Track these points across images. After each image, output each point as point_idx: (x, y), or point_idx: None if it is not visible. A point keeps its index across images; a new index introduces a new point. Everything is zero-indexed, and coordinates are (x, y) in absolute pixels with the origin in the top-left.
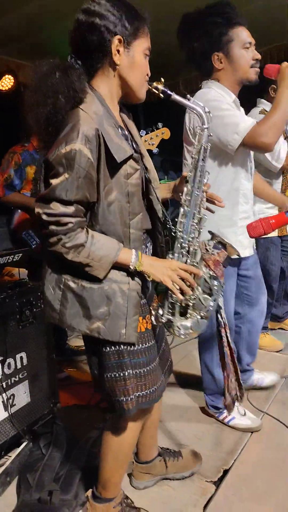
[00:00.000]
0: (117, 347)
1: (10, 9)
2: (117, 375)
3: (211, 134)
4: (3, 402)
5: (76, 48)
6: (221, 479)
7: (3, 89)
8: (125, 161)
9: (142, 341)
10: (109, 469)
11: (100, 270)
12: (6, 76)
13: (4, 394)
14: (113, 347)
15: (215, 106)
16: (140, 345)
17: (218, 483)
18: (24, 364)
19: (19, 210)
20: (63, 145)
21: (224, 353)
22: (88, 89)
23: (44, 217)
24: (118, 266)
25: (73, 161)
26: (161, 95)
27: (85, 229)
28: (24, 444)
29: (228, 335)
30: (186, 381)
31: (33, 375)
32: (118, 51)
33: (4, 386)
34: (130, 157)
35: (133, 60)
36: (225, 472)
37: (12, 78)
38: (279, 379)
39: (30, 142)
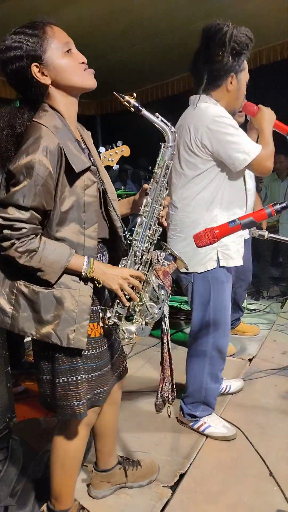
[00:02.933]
0: (70, 351)
1: None
2: (69, 379)
3: (176, 151)
4: None
5: (17, 92)
6: (177, 483)
7: None
8: (83, 173)
9: (95, 346)
10: (59, 479)
11: (51, 274)
12: None
13: None
14: (66, 352)
15: (227, 123)
16: (93, 350)
17: (174, 487)
18: None
19: None
20: (23, 156)
21: (163, 358)
22: (47, 107)
23: (0, 220)
24: (71, 272)
25: (32, 170)
26: (132, 109)
27: (39, 236)
28: None
29: (169, 342)
30: (143, 388)
31: None
32: (42, 73)
33: None
34: (88, 169)
35: (56, 68)
36: (181, 476)
37: None
38: (243, 384)
39: None
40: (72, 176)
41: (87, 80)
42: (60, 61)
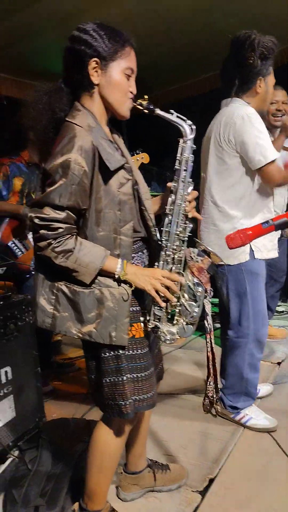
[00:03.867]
0: (115, 351)
1: None
2: (116, 379)
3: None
4: None
5: (64, 72)
6: (206, 488)
7: None
8: (117, 171)
9: (140, 346)
10: (95, 478)
11: (86, 276)
12: None
13: None
14: (112, 352)
15: (255, 122)
16: (138, 351)
17: (203, 492)
18: (9, 379)
19: (6, 220)
20: (59, 156)
21: (207, 358)
22: (79, 106)
23: (37, 221)
24: (104, 274)
25: (68, 169)
26: (145, 111)
27: (74, 236)
28: (9, 460)
29: (213, 341)
30: (170, 390)
31: (18, 390)
32: (96, 72)
33: None
34: (122, 167)
35: (110, 80)
36: (211, 481)
37: None
38: (272, 389)
39: (19, 155)
40: (107, 174)
41: (124, 108)
42: (116, 76)
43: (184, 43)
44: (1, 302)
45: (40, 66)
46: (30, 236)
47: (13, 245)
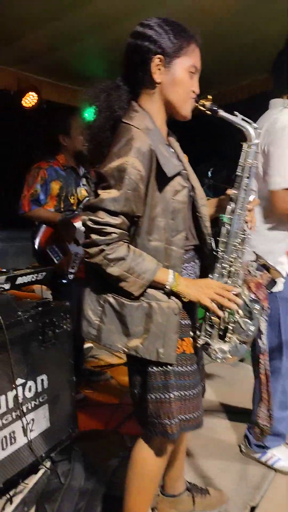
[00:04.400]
0: (163, 367)
1: (34, 27)
2: (162, 396)
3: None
4: (22, 427)
5: (124, 69)
6: None
7: (27, 106)
8: (173, 177)
9: (189, 363)
10: (133, 500)
11: (135, 287)
12: (30, 93)
13: (24, 419)
14: (159, 367)
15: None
16: (187, 367)
17: None
18: (45, 387)
19: (44, 225)
20: (115, 159)
21: (259, 381)
22: (137, 107)
23: (90, 223)
24: (154, 286)
25: (124, 173)
26: (208, 112)
27: (126, 243)
28: (41, 471)
29: (267, 362)
30: (206, 410)
31: (53, 399)
32: (159, 69)
33: (24, 410)
34: (178, 173)
35: (173, 77)
36: (252, 509)
37: (35, 95)
38: None
39: (55, 159)
40: (162, 180)
41: (186, 108)
42: (180, 74)
43: (224, 48)
44: (40, 308)
45: (80, 70)
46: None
47: (52, 251)
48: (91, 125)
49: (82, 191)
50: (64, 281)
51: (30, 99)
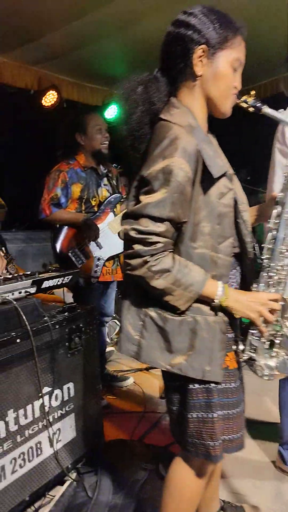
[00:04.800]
0: (206, 384)
1: (56, 26)
2: (204, 415)
3: None
4: (49, 437)
5: (163, 60)
6: None
7: (47, 105)
8: (218, 179)
9: (232, 379)
10: None
11: (182, 300)
12: (50, 92)
13: (50, 429)
14: (201, 385)
15: None
16: (231, 384)
17: None
18: (71, 396)
19: (66, 228)
20: (160, 160)
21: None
22: (176, 103)
23: (133, 233)
24: (201, 299)
25: (170, 175)
26: (251, 109)
27: (171, 253)
28: (67, 483)
29: None
30: None
31: (80, 408)
32: (201, 61)
33: (51, 420)
34: (224, 174)
35: (216, 71)
36: None
37: (55, 94)
38: None
39: (75, 159)
40: (208, 182)
41: (227, 105)
42: (223, 67)
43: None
44: (66, 314)
45: (100, 70)
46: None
47: (73, 254)
48: (128, 120)
49: (103, 192)
50: (87, 285)
51: (50, 98)
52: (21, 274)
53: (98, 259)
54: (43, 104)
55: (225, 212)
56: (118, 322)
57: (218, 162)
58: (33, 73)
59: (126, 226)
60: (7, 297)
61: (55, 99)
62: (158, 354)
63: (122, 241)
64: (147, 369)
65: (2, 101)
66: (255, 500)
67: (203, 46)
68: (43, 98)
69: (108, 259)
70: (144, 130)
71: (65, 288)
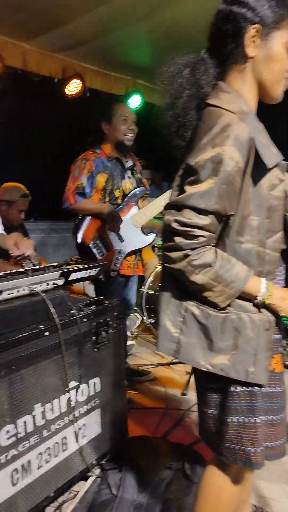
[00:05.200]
0: (249, 387)
1: (81, 13)
2: (246, 420)
3: None
4: (74, 432)
5: (211, 41)
6: None
7: (70, 94)
8: (271, 169)
9: (277, 383)
10: None
11: (222, 297)
12: (74, 80)
13: (76, 424)
14: (244, 387)
15: None
16: (276, 388)
17: None
18: (97, 391)
19: (88, 218)
20: (209, 148)
21: None
22: (226, 87)
23: (175, 225)
24: (243, 296)
25: (220, 165)
26: None
27: (214, 247)
28: (91, 479)
29: None
30: None
31: (105, 403)
32: (254, 42)
33: (77, 415)
34: (278, 164)
35: (269, 52)
36: None
37: (79, 82)
38: None
39: (101, 149)
40: (259, 173)
41: (278, 89)
42: (277, 49)
43: None
44: (93, 307)
45: (126, 58)
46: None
47: (94, 245)
48: (173, 105)
49: (127, 184)
50: (109, 278)
51: (73, 87)
52: (49, 265)
53: (119, 252)
54: (66, 93)
55: (275, 205)
56: (138, 316)
57: (273, 150)
58: (58, 61)
59: (169, 217)
60: (35, 289)
61: (78, 88)
62: (198, 353)
63: (145, 236)
64: (168, 364)
65: (27, 89)
66: (285, 506)
67: (256, 25)
68: (67, 86)
69: (129, 253)
70: (190, 116)
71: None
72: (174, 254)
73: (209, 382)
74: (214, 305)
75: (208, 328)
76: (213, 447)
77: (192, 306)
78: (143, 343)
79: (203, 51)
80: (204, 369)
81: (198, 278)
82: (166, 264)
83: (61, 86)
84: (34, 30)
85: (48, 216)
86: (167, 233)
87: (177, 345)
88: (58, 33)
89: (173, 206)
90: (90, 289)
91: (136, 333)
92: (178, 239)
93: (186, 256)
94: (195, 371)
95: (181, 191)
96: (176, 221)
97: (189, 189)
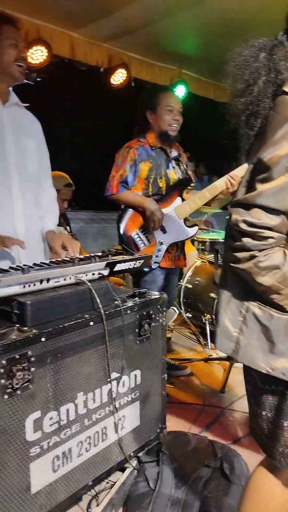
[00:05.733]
0: None
1: (128, 1)
2: None
3: None
4: (114, 423)
5: None
6: None
7: (115, 83)
8: None
9: None
10: None
11: None
12: (119, 70)
13: (116, 415)
14: None
15: None
16: None
17: None
18: (138, 383)
19: (130, 210)
20: (284, 143)
21: None
22: None
23: (243, 226)
24: None
25: None
26: None
27: (282, 248)
28: (128, 470)
29: None
30: None
31: (145, 396)
32: None
33: (117, 406)
34: None
35: None
36: None
37: (125, 72)
38: None
39: (145, 138)
40: None
41: None
42: None
43: None
44: (137, 299)
45: (172, 48)
46: None
47: (137, 236)
48: (246, 91)
49: (172, 174)
50: (146, 269)
51: (119, 77)
52: (94, 255)
53: (161, 243)
54: (112, 83)
55: None
56: (176, 309)
57: None
58: (104, 51)
59: (237, 216)
60: (81, 278)
61: (123, 78)
62: (258, 354)
63: (188, 228)
64: (205, 360)
65: (73, 78)
66: None
67: None
68: (112, 76)
69: (171, 245)
70: (264, 104)
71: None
72: (240, 254)
73: (266, 384)
74: (279, 308)
75: (270, 330)
76: (266, 449)
77: (254, 306)
78: (179, 337)
79: (281, 33)
80: (264, 372)
81: (265, 280)
82: (231, 263)
83: (107, 76)
84: (82, 18)
85: (88, 206)
86: (235, 232)
87: (236, 344)
88: (105, 22)
89: (241, 204)
90: (128, 281)
91: (173, 327)
92: (246, 240)
93: (253, 257)
94: (248, 370)
95: (250, 187)
96: (245, 221)
97: (260, 187)
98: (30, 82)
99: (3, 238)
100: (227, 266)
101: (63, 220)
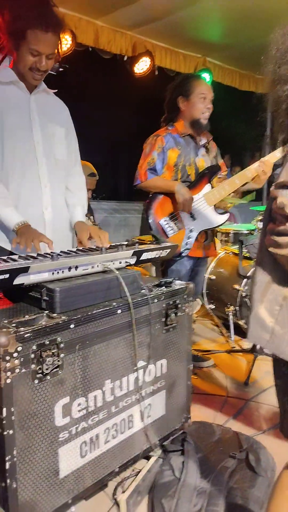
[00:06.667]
0: None
1: None
2: None
3: None
4: (140, 411)
5: None
6: None
7: (139, 72)
8: None
9: None
10: None
11: None
12: (143, 58)
13: (142, 403)
14: None
15: None
16: None
17: None
18: (164, 373)
19: (160, 195)
20: None
21: None
22: None
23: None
24: None
25: None
26: None
27: None
28: (153, 459)
29: None
30: None
31: (171, 385)
32: None
33: (143, 394)
34: None
35: None
36: None
37: (149, 60)
38: None
39: (174, 126)
40: None
41: None
42: None
43: None
44: (164, 288)
45: (196, 35)
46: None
47: (165, 223)
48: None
49: (201, 161)
50: (175, 258)
51: (142, 65)
52: (121, 243)
53: (191, 230)
54: (135, 72)
55: None
56: (199, 300)
57: None
58: (128, 38)
59: (282, 199)
60: (108, 266)
61: (147, 66)
62: None
63: (218, 215)
64: (228, 351)
65: (97, 67)
66: None
67: None
68: (136, 64)
69: (200, 233)
70: None
71: None
72: (281, 239)
73: None
74: None
75: None
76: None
77: None
78: (202, 328)
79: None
80: None
81: None
82: (270, 249)
83: (131, 64)
84: (106, 6)
85: (109, 197)
86: (279, 216)
87: (270, 335)
88: (130, 9)
89: (287, 186)
90: (151, 270)
91: (196, 318)
92: None
93: None
94: (280, 363)
95: None
96: None
97: None
98: (53, 73)
99: (33, 234)
100: (263, 251)
101: (87, 210)
